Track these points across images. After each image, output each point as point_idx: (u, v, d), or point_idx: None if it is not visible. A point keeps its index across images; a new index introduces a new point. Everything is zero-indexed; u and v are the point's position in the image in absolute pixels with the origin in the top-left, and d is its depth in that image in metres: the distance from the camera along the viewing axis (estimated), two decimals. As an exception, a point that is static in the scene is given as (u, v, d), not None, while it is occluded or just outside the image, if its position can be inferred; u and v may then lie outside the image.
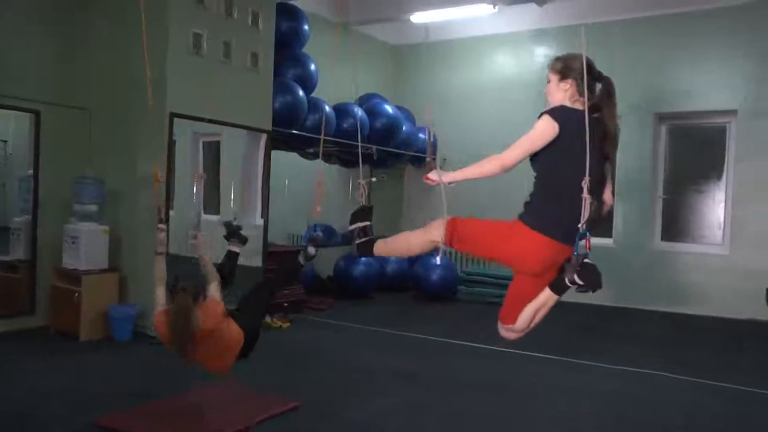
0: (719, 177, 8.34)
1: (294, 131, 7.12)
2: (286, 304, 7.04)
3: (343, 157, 8.67)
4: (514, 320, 2.83)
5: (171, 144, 5.97)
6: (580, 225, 2.50)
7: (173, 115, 5.83)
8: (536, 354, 5.61)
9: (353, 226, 3.15)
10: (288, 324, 6.54)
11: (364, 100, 8.58)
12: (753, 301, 7.51)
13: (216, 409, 4.06)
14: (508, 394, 4.64)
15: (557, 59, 2.80)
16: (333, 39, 8.87)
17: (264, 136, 6.88)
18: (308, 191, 8.79)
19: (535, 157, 2.66)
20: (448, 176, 2.78)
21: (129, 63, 5.86)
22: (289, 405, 4.11)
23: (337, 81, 8.13)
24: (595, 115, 2.63)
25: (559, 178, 2.63)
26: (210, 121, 6.15)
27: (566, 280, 2.57)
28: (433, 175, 2.81)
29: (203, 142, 7.78)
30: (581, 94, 2.61)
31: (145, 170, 5.69)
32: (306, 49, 7.64)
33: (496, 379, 5.00)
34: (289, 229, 9.00)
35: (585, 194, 2.47)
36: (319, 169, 7.48)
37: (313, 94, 7.55)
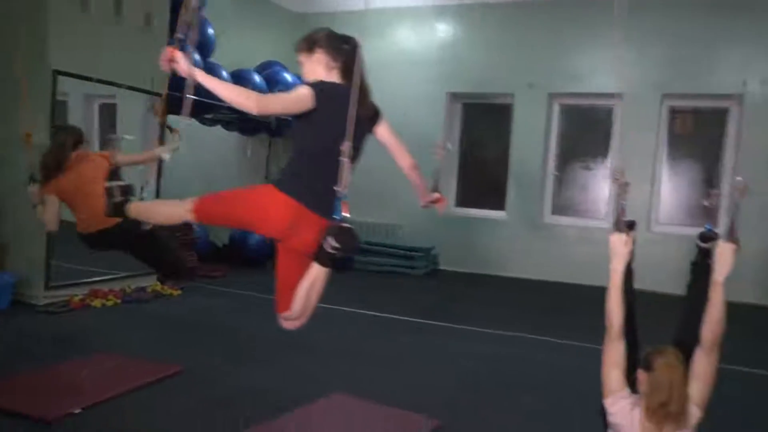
0: (605, 155, 8.81)
1: (189, 96, 6.94)
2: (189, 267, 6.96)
3: (242, 125, 8.56)
4: (288, 307, 2.73)
5: (56, 105, 5.72)
6: (338, 188, 2.49)
7: (57, 73, 5.59)
8: (423, 321, 5.82)
9: (109, 184, 3.19)
10: (178, 292, 6.47)
11: (264, 68, 8.48)
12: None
13: (92, 378, 3.95)
14: (387, 360, 4.82)
15: (298, 41, 2.81)
16: (234, 4, 8.73)
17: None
18: (211, 159, 8.70)
19: (293, 126, 2.70)
20: (198, 73, 2.54)
21: (8, 18, 5.56)
22: (171, 371, 4.11)
23: (237, 47, 7.98)
24: (349, 83, 2.61)
25: (314, 149, 2.64)
26: (98, 81, 5.93)
27: (325, 247, 2.50)
28: (182, 61, 2.51)
29: (99, 105, 7.51)
30: (335, 60, 2.71)
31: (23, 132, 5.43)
32: (206, 14, 7.45)
33: (377, 345, 5.19)
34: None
35: (344, 158, 2.47)
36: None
37: (211, 59, 7.40)
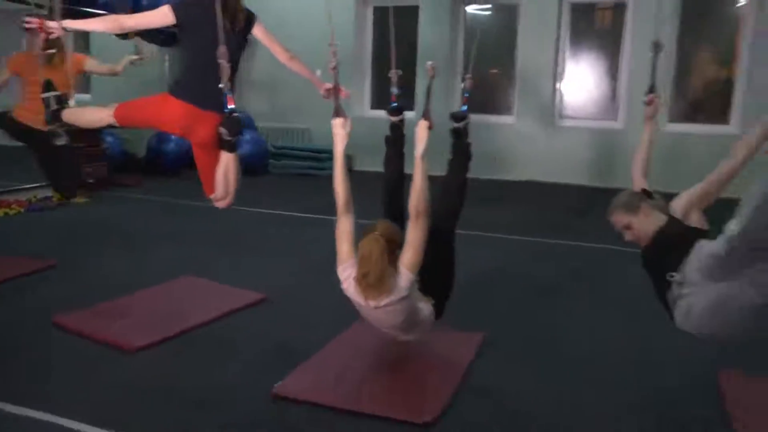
0: (513, 58, 9.03)
1: (84, 8, 7.03)
2: (91, 181, 7.26)
3: (152, 38, 8.60)
4: (212, 190, 3.34)
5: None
6: (221, 86, 2.99)
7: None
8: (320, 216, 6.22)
9: (46, 95, 3.52)
10: (86, 200, 6.78)
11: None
12: (534, 164, 8.64)
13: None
14: (256, 250, 5.27)
15: None
16: None
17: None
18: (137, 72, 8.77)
19: (175, 40, 3.18)
20: (67, 24, 3.16)
21: None
22: (45, 264, 4.50)
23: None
24: None
25: (192, 57, 3.19)
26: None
27: (221, 136, 3.10)
28: (52, 26, 3.11)
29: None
30: None
31: None
32: None
33: (253, 238, 5.65)
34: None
35: (222, 60, 2.96)
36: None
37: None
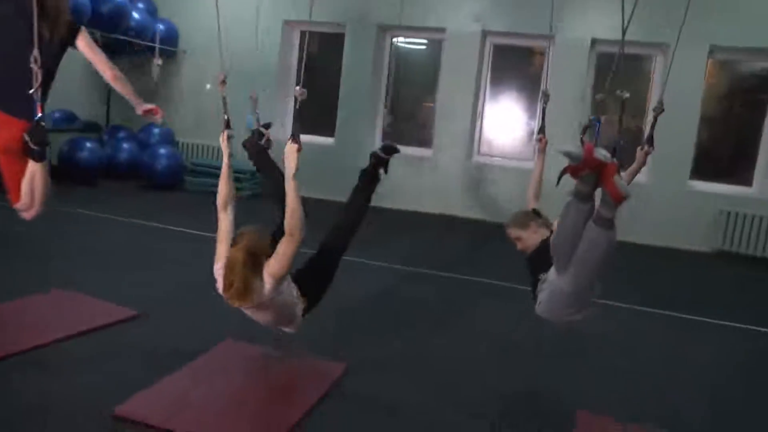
0: (435, 90, 9.20)
1: None
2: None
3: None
4: (18, 198, 3.23)
5: None
6: (32, 92, 2.90)
7: None
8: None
9: None
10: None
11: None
12: (453, 198, 8.78)
13: None
14: (132, 263, 5.18)
15: None
16: None
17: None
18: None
19: None
20: None
21: None
22: None
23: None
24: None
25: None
26: None
27: (25, 142, 2.99)
28: None
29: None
30: None
31: None
32: None
33: (130, 251, 5.58)
34: None
35: (34, 66, 2.85)
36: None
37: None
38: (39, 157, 3.06)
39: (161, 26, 9.15)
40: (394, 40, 9.33)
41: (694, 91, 7.95)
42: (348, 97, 9.20)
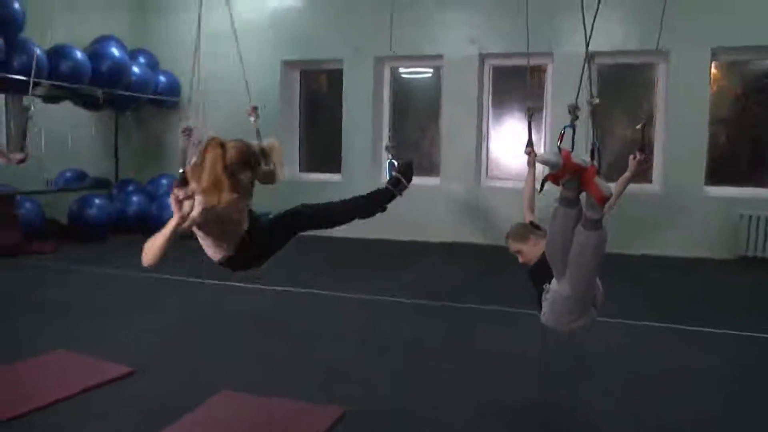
0: (437, 119, 9.15)
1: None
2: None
3: (75, 100, 8.58)
4: None
5: None
6: None
7: None
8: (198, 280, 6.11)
9: None
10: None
11: (95, 43, 8.53)
12: (460, 225, 8.61)
13: None
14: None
15: None
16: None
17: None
18: (63, 136, 8.73)
19: None
20: None
21: None
22: None
23: (78, 24, 8.08)
24: None
25: None
26: None
27: None
28: None
29: None
30: None
31: None
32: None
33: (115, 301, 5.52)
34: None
35: None
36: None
37: (24, 36, 7.39)
38: None
39: (162, 78, 9.27)
40: (399, 70, 9.32)
41: (701, 96, 7.81)
42: (350, 132, 9.17)
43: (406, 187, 3.25)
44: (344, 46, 8.98)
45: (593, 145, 2.68)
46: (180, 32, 9.73)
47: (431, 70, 9.28)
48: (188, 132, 3.24)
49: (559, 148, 2.61)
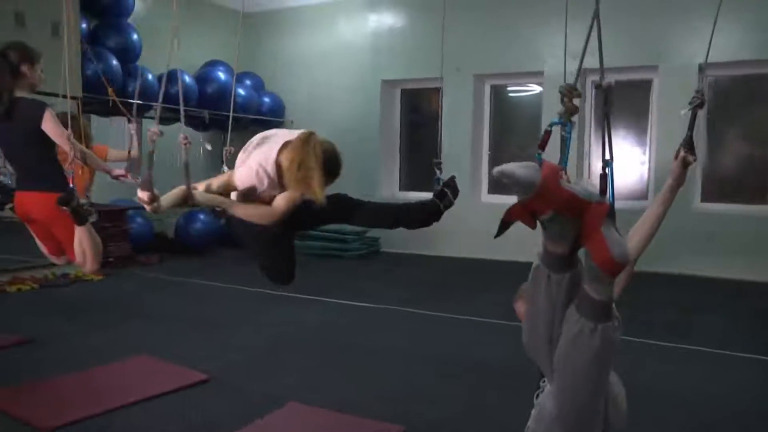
0: (536, 134, 8.92)
1: (111, 98, 7.49)
2: (111, 259, 7.51)
3: (187, 120, 9.03)
4: (73, 256, 3.55)
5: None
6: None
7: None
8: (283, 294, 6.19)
9: None
10: (100, 278, 6.99)
11: (204, 68, 9.00)
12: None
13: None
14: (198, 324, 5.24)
15: None
16: (179, 8, 9.19)
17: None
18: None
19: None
20: None
21: None
22: (16, 340, 4.63)
23: (185, 50, 8.55)
24: None
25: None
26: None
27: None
28: None
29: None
30: None
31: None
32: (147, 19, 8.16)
33: (218, 313, 5.64)
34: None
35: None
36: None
37: (138, 64, 7.90)
38: (79, 221, 3.39)
39: (267, 99, 9.62)
40: (507, 88, 9.24)
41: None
42: (449, 150, 9.07)
43: (451, 203, 3.20)
44: (444, 64, 8.93)
45: (605, 163, 1.68)
46: (285, 55, 10.15)
47: (539, 88, 9.06)
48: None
49: (539, 157, 1.52)
